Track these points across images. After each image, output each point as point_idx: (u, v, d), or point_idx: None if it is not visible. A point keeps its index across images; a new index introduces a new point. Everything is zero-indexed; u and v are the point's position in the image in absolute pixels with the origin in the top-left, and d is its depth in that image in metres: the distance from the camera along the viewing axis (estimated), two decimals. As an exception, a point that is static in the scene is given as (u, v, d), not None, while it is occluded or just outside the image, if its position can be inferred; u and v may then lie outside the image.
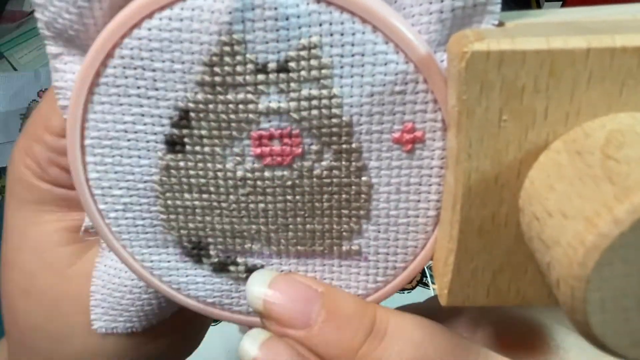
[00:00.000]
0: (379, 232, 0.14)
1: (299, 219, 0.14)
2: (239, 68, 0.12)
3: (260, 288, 0.13)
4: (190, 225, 0.14)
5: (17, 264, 0.16)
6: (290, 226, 0.14)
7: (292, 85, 0.12)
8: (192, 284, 0.15)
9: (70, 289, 0.16)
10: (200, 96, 0.12)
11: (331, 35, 0.11)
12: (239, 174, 0.13)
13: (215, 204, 0.14)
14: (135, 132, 0.13)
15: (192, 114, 0.13)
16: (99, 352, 0.17)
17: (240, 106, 0.12)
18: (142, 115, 0.13)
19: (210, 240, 0.15)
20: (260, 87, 0.12)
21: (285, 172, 0.13)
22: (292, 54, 0.12)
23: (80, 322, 0.16)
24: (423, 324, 0.13)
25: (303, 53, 0.12)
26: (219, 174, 0.13)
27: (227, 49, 0.12)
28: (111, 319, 0.16)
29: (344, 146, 0.13)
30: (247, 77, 0.12)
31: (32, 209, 0.16)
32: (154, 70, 0.12)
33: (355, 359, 0.12)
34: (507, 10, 0.12)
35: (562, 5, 0.58)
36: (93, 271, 0.16)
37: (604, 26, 0.11)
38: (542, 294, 0.12)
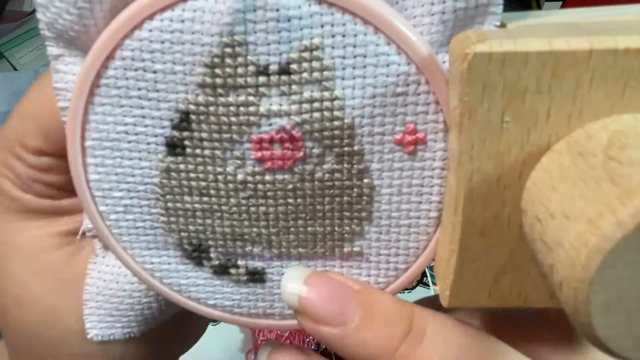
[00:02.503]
0: (381, 233, 0.14)
1: (300, 222, 0.14)
2: (240, 70, 0.12)
3: (296, 284, 0.13)
4: (191, 227, 0.14)
5: (6, 273, 0.16)
6: (292, 229, 0.14)
7: (294, 87, 0.12)
8: (193, 286, 0.15)
9: (65, 294, 0.16)
10: (201, 98, 0.12)
11: (333, 36, 0.11)
12: (240, 177, 0.13)
13: (215, 206, 0.14)
14: (136, 134, 0.13)
15: (192, 116, 0.12)
16: (96, 356, 0.16)
17: (241, 108, 0.12)
18: (143, 117, 0.13)
19: (210, 242, 0.14)
20: (262, 89, 0.12)
21: (287, 176, 0.13)
22: (294, 55, 0.12)
23: (76, 327, 0.16)
24: (463, 327, 0.13)
25: (305, 55, 0.12)
26: (220, 177, 0.13)
27: (228, 50, 0.12)
28: (108, 325, 0.16)
29: (346, 149, 0.13)
30: (248, 79, 0.12)
31: (17, 218, 0.15)
32: (154, 72, 0.12)
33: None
34: (508, 11, 0.12)
35: (562, 6, 0.58)
36: (86, 279, 0.16)
37: (606, 27, 0.11)
38: (545, 295, 0.12)
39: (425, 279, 0.42)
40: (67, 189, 0.13)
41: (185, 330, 0.19)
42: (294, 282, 0.13)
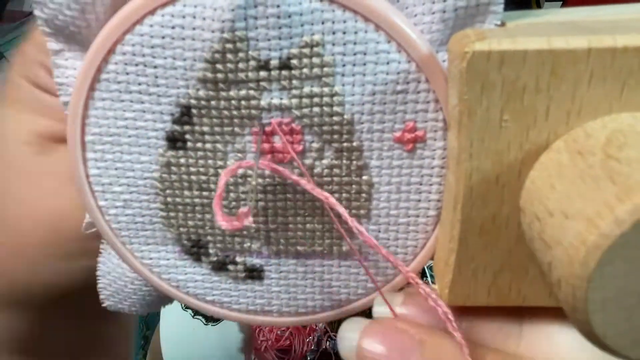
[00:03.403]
0: (379, 231, 0.14)
1: (299, 218, 0.14)
2: (241, 65, 0.12)
3: (354, 334, 0.12)
4: (190, 223, 0.14)
5: None
6: (290, 225, 0.14)
7: (294, 82, 0.12)
8: (191, 282, 0.15)
9: (25, 185, 0.16)
10: (202, 93, 0.12)
11: (333, 33, 0.11)
12: (240, 171, 0.13)
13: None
14: (136, 129, 0.13)
15: (193, 111, 0.13)
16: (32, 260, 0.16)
17: (242, 102, 0.12)
18: (144, 111, 0.13)
19: (209, 238, 0.14)
20: (262, 83, 0.12)
21: (286, 170, 0.13)
22: (294, 51, 0.12)
23: (16, 225, 0.16)
24: None
25: (305, 51, 0.12)
26: (220, 170, 0.13)
27: (229, 46, 0.12)
28: (117, 300, 0.17)
29: (345, 144, 0.13)
30: (249, 74, 0.12)
31: (7, 105, 0.16)
32: (155, 67, 0.12)
33: None
34: (507, 10, 0.12)
35: (563, 5, 0.58)
36: (99, 256, 0.16)
37: (605, 26, 0.11)
38: (543, 293, 0.12)
39: (424, 278, 0.42)
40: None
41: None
42: (352, 332, 0.12)
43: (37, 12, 0.12)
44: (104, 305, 0.17)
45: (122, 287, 0.16)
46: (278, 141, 0.13)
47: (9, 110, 0.16)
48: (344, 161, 0.13)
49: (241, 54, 0.12)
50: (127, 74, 0.12)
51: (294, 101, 0.12)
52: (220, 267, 0.15)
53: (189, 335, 0.39)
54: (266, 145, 0.13)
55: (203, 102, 0.12)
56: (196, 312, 0.39)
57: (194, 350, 0.39)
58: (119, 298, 0.17)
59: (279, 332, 0.38)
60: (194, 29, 0.12)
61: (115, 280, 0.16)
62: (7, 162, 0.16)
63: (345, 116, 0.12)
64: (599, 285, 0.09)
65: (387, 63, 0.12)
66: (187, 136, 0.13)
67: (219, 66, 0.12)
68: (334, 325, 0.39)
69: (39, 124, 0.15)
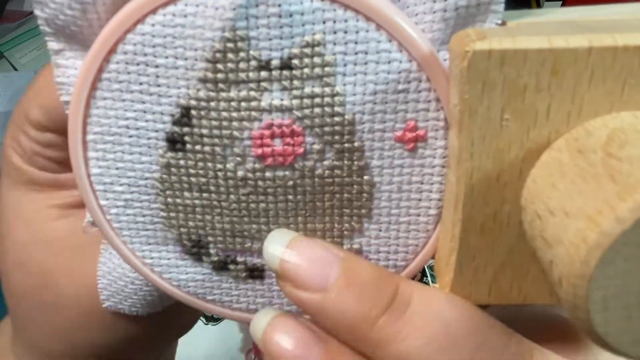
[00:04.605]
0: (380, 230, 0.14)
1: (300, 219, 0.14)
2: (242, 65, 0.12)
3: (278, 246, 0.13)
4: (191, 223, 0.14)
5: (10, 237, 0.17)
6: (291, 225, 0.14)
7: (295, 82, 0.12)
8: (192, 282, 0.15)
9: (60, 261, 0.17)
10: (202, 93, 0.12)
11: (335, 32, 0.11)
12: (240, 174, 0.13)
13: (215, 203, 0.14)
14: (137, 129, 0.13)
15: (193, 112, 0.13)
16: (90, 324, 0.17)
17: (243, 103, 0.12)
18: (144, 111, 0.13)
19: (210, 238, 0.14)
20: (263, 84, 0.12)
21: (287, 172, 0.13)
22: (296, 51, 0.12)
23: (70, 294, 0.17)
24: (454, 301, 0.12)
25: (306, 50, 0.12)
26: (219, 173, 0.13)
27: (230, 45, 0.12)
28: (117, 301, 0.17)
29: (346, 145, 0.13)
30: (250, 74, 0.12)
31: (24, 188, 0.16)
32: (156, 67, 0.12)
33: (372, 331, 0.11)
34: (508, 10, 0.12)
35: (563, 5, 0.58)
36: (99, 256, 0.16)
37: (605, 25, 0.11)
38: (544, 292, 0.12)
39: (425, 278, 0.42)
40: (68, 165, 0.14)
41: (178, 320, 0.20)
42: (277, 244, 0.13)
43: (37, 12, 0.12)
44: (104, 305, 0.17)
45: (123, 287, 0.16)
46: (278, 144, 0.13)
47: (18, 191, 0.17)
48: (345, 162, 0.13)
49: (242, 54, 0.12)
50: (129, 73, 0.12)
51: (295, 102, 0.12)
52: (221, 266, 0.15)
53: (189, 335, 0.39)
54: (267, 149, 0.13)
55: (203, 103, 0.12)
56: (196, 312, 0.39)
57: (194, 350, 0.39)
58: (120, 298, 0.17)
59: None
60: (195, 28, 0.12)
61: (115, 280, 0.16)
62: (44, 242, 0.17)
63: (347, 116, 0.12)
64: (600, 284, 0.09)
65: (388, 62, 0.12)
66: (187, 138, 0.13)
67: (219, 66, 0.12)
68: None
69: (53, 197, 0.16)
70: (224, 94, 0.12)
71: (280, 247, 0.13)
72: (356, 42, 0.12)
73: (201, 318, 0.39)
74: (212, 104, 0.12)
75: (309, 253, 0.12)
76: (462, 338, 0.11)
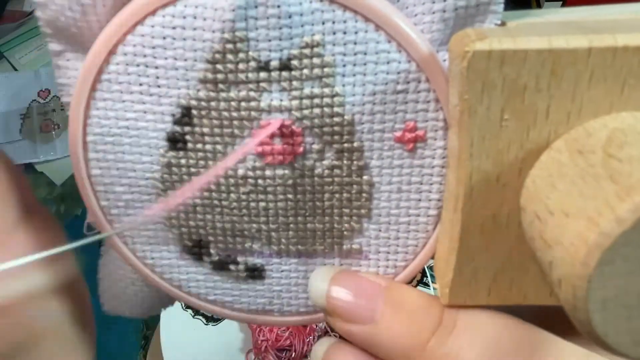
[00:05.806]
0: (380, 230, 0.14)
1: (299, 218, 0.14)
2: (241, 65, 0.12)
3: (323, 284, 0.13)
4: (191, 223, 0.14)
5: None
6: (291, 225, 0.14)
7: (294, 83, 0.12)
8: (193, 282, 0.15)
9: None
10: (202, 93, 0.12)
11: (334, 33, 0.11)
12: (240, 172, 0.13)
13: (216, 202, 0.14)
14: (138, 129, 0.13)
15: (194, 112, 0.13)
16: None
17: (242, 103, 0.12)
18: (145, 112, 0.13)
19: (210, 238, 0.15)
20: (263, 84, 0.12)
21: (287, 171, 0.13)
22: (295, 52, 0.12)
23: None
24: (495, 316, 0.12)
25: (305, 51, 0.12)
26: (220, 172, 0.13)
27: (229, 46, 0.12)
28: (117, 303, 0.17)
29: (346, 145, 0.13)
30: (250, 75, 0.12)
31: None
32: (156, 67, 0.12)
33: (424, 354, 0.12)
34: (507, 10, 0.12)
35: (563, 5, 0.58)
36: (101, 259, 0.16)
37: (605, 25, 0.11)
38: (544, 293, 0.12)
39: (425, 278, 0.42)
40: None
41: None
42: (321, 281, 0.13)
43: (38, 14, 0.12)
44: (103, 309, 0.17)
45: (123, 289, 0.16)
46: (278, 143, 0.13)
47: None
48: (345, 162, 0.13)
49: (241, 55, 0.12)
50: (129, 74, 0.12)
51: (294, 102, 0.12)
52: (221, 266, 0.15)
53: (189, 335, 0.39)
54: (267, 147, 0.13)
55: (203, 103, 0.12)
56: (196, 312, 0.39)
57: (194, 350, 0.39)
58: (120, 301, 0.17)
59: (279, 332, 0.38)
60: (194, 29, 0.12)
61: (115, 282, 0.16)
62: None
63: (346, 117, 0.12)
64: (600, 285, 0.09)
65: (388, 63, 0.12)
66: (188, 137, 0.13)
67: (219, 67, 0.12)
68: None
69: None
70: (224, 94, 0.12)
71: (324, 284, 0.13)
72: (355, 43, 0.12)
73: (201, 318, 0.39)
74: (213, 104, 0.12)
75: (354, 287, 0.13)
76: (509, 352, 0.12)
